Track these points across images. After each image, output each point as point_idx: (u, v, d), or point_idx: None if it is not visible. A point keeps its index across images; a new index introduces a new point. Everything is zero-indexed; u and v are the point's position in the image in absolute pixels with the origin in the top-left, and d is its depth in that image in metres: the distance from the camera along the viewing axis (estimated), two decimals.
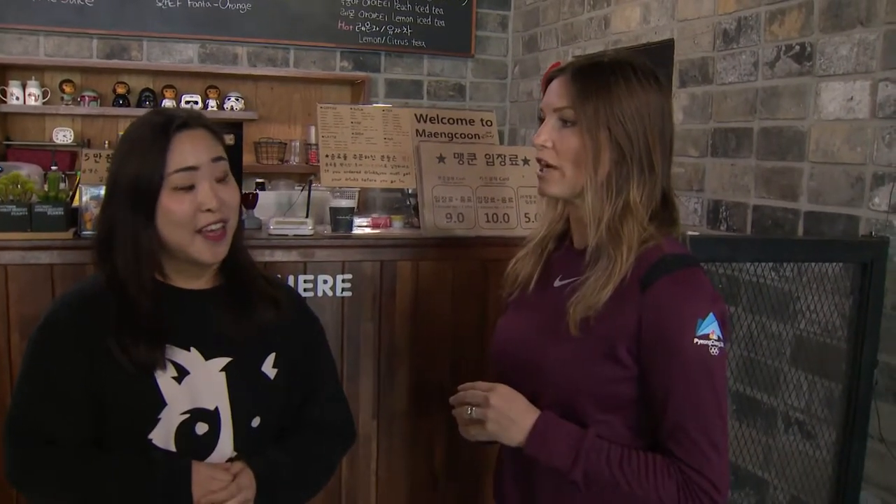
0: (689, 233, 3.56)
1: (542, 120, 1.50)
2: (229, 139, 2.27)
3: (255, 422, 1.58)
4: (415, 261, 2.33)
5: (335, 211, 2.34)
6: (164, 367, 1.49)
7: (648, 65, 1.49)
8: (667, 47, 3.76)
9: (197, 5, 4.82)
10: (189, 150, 1.47)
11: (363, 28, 5.13)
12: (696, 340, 1.34)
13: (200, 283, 1.59)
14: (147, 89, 4.93)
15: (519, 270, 1.60)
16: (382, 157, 2.45)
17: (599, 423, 1.42)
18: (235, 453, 1.55)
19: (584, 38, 4.50)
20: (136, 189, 1.47)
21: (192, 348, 1.53)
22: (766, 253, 2.63)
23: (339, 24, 5.09)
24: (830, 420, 2.68)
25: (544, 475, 1.46)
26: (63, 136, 4.77)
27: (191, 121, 1.52)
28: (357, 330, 2.31)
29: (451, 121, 2.48)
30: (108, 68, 4.83)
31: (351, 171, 2.40)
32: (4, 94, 4.65)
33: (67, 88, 4.78)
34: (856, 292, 2.54)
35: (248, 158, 5.11)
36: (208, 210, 1.47)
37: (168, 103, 4.91)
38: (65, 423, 1.49)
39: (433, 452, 2.41)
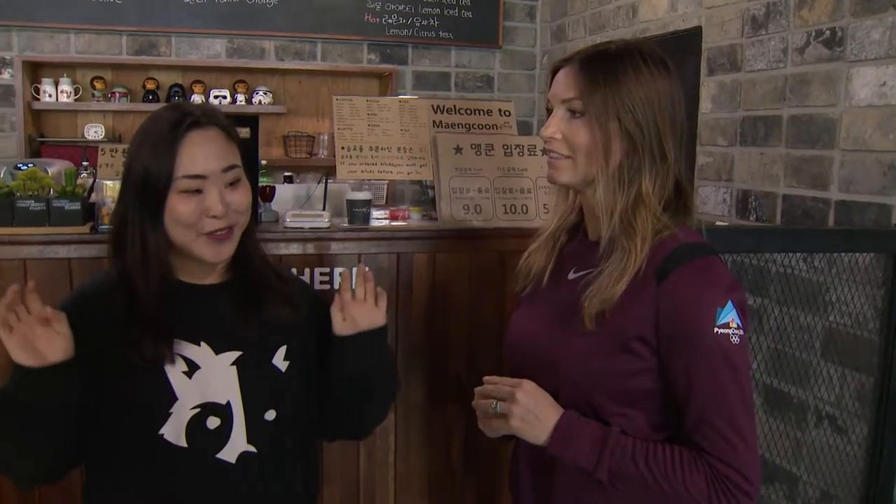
0: (718, 223, 3.52)
1: (549, 111, 1.47)
2: (245, 132, 2.27)
3: (270, 415, 1.57)
4: (431, 253, 2.31)
5: (351, 203, 2.33)
6: (171, 361, 1.49)
7: (657, 51, 1.45)
8: (694, 35, 3.69)
9: (224, 0, 4.84)
10: (199, 156, 1.46)
11: (390, 20, 5.12)
12: (716, 329, 1.31)
13: (210, 278, 1.58)
14: (176, 84, 4.97)
15: (532, 264, 1.58)
16: (399, 148, 2.43)
17: (618, 417, 1.39)
18: (250, 447, 1.54)
19: (612, 27, 4.44)
20: (145, 187, 1.46)
21: (202, 343, 1.53)
22: (795, 243, 2.57)
23: (366, 17, 5.08)
24: (862, 414, 2.62)
25: (563, 470, 1.43)
26: (94, 132, 4.82)
27: (203, 119, 1.49)
28: None
29: (468, 111, 2.45)
30: (137, 64, 4.88)
31: (367, 163, 2.38)
32: (38, 91, 4.72)
33: (98, 85, 4.84)
34: (888, 283, 2.47)
35: (276, 152, 5.15)
36: (214, 217, 1.47)
37: (197, 98, 4.95)
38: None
39: (451, 445, 2.40)
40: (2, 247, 2.05)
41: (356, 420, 1.73)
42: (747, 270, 3.19)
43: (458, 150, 2.34)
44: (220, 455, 1.52)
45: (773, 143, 3.13)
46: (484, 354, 2.37)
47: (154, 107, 4.79)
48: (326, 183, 2.41)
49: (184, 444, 1.50)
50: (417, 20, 5.14)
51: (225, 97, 5.01)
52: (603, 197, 1.41)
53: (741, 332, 1.33)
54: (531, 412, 1.40)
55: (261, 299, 1.59)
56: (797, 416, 2.93)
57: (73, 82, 4.79)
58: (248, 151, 2.29)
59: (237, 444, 1.53)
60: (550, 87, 1.47)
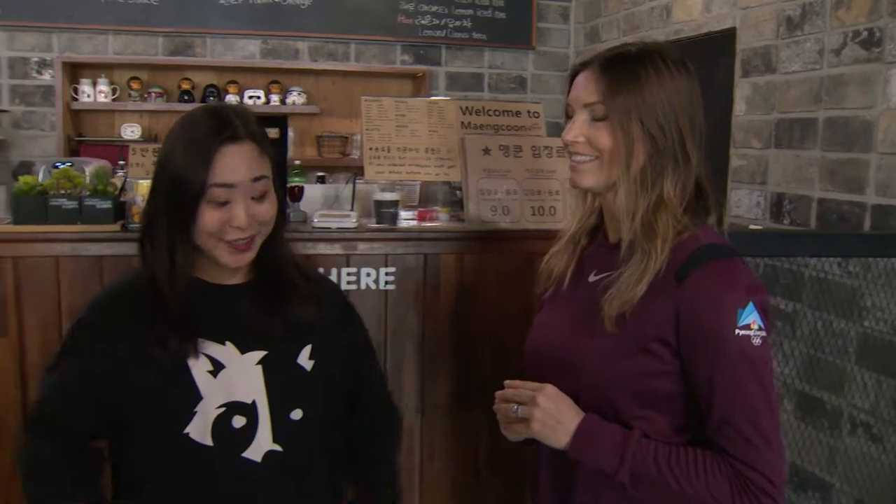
0: (751, 227, 3.48)
1: (569, 116, 1.46)
2: (273, 133, 2.29)
3: (297, 414, 1.57)
4: (459, 254, 2.30)
5: (379, 204, 2.34)
6: (196, 357, 1.50)
7: (676, 52, 1.44)
8: (728, 36, 3.65)
9: (258, 1, 4.89)
10: (230, 167, 1.45)
11: (423, 21, 5.12)
12: (737, 331, 1.29)
13: (235, 277, 1.59)
14: (211, 85, 5.02)
15: (553, 266, 1.57)
16: (427, 149, 2.43)
17: (640, 419, 1.38)
18: (276, 446, 1.55)
19: (645, 28, 4.41)
20: (176, 192, 1.46)
21: (227, 342, 1.53)
22: (829, 248, 2.53)
23: (399, 18, 5.09)
24: None
25: (583, 473, 1.43)
26: (131, 131, 4.89)
27: (241, 133, 1.48)
28: (400, 323, 2.30)
29: (496, 112, 2.45)
30: (173, 65, 4.94)
31: (395, 163, 2.38)
32: (76, 91, 4.79)
33: (135, 85, 4.91)
34: None
35: (310, 152, 5.18)
36: (237, 227, 1.47)
37: (231, 98, 4.99)
38: (73, 419, 1.53)
39: (477, 446, 2.39)
40: (35, 244, 2.09)
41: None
42: (781, 275, 3.15)
43: (487, 151, 2.33)
44: (245, 454, 1.52)
45: (809, 145, 3.08)
46: (511, 356, 2.35)
47: (189, 107, 4.85)
48: (354, 183, 2.42)
49: (209, 442, 1.50)
50: (451, 21, 5.14)
51: (259, 97, 5.05)
52: (625, 200, 1.41)
53: (763, 333, 1.31)
54: (552, 416, 1.39)
55: (285, 298, 1.59)
56: (831, 423, 2.89)
57: (111, 83, 4.87)
58: (277, 152, 2.32)
59: (263, 444, 1.54)
60: (570, 90, 1.46)
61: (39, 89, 4.72)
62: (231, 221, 1.46)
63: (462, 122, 2.41)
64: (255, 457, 1.53)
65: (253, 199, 1.49)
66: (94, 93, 4.82)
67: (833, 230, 2.90)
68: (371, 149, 2.36)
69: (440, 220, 2.50)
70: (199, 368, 1.50)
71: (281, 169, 2.30)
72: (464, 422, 2.39)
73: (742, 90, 3.54)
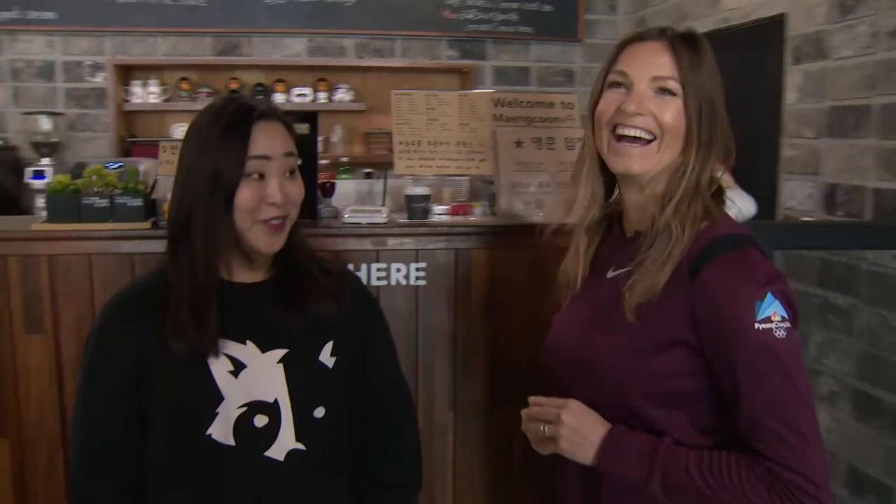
0: (803, 219, 3.35)
1: (611, 85, 1.40)
2: (304, 128, 2.29)
3: (319, 412, 1.55)
4: (491, 249, 2.26)
5: (410, 199, 2.31)
6: (216, 355, 1.49)
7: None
8: (777, 23, 3.52)
9: (304, 0, 4.90)
10: (264, 140, 1.47)
11: (469, 16, 5.08)
12: (757, 325, 1.23)
13: (254, 275, 1.58)
14: (259, 84, 5.06)
15: (570, 274, 1.51)
16: (458, 143, 2.39)
17: (659, 421, 1.33)
18: (299, 444, 1.53)
19: (693, 17, 4.29)
20: (217, 175, 1.46)
21: (247, 342, 1.52)
22: (884, 240, 2.42)
23: (444, 13, 5.06)
24: None
25: (610, 485, 1.38)
26: (181, 131, 4.94)
27: (269, 112, 1.52)
28: (432, 319, 2.27)
29: (529, 104, 2.39)
30: (221, 65, 5.00)
31: (425, 157, 2.35)
32: (128, 93, 4.88)
33: (184, 85, 4.98)
34: None
35: (358, 149, 5.19)
36: (273, 204, 1.47)
37: (279, 97, 5.02)
38: (121, 443, 1.52)
39: (511, 445, 2.34)
40: (69, 242, 2.12)
41: None
42: (836, 269, 3.03)
43: (519, 144, 2.29)
44: (268, 453, 1.51)
45: (863, 134, 2.95)
46: (544, 353, 2.31)
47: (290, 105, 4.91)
48: (386, 178, 2.39)
49: (232, 442, 1.49)
50: (496, 15, 5.09)
51: (306, 95, 5.07)
52: (666, 184, 1.37)
53: (787, 324, 1.25)
54: (578, 432, 1.36)
55: (305, 295, 1.57)
56: (890, 423, 2.76)
57: (161, 83, 4.94)
58: (307, 148, 2.31)
59: (285, 442, 1.52)
60: (617, 62, 1.40)
61: (93, 92, 4.82)
62: (266, 198, 1.46)
63: (494, 115, 2.36)
64: (278, 456, 1.52)
65: (285, 176, 1.50)
66: (145, 94, 4.90)
67: (889, 222, 2.77)
68: (401, 143, 2.34)
69: (475, 214, 2.46)
70: (219, 369, 1.50)
71: (311, 164, 2.30)
72: (498, 419, 2.35)
73: (793, 78, 3.42)
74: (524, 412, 1.45)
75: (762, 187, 3.66)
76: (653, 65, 1.35)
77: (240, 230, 1.49)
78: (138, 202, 2.12)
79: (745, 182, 3.77)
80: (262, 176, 1.47)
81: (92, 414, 1.53)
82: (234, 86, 5.01)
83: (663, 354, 1.31)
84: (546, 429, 1.40)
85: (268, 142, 1.48)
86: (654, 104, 1.35)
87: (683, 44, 1.35)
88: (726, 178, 2.25)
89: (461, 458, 2.33)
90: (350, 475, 1.65)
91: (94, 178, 2.08)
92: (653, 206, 1.38)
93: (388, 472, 1.71)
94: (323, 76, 5.14)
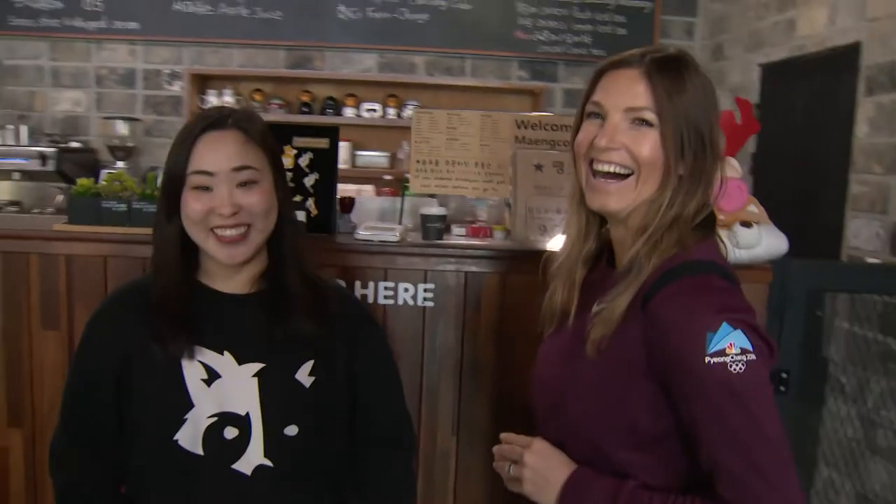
0: (869, 259, 3.17)
1: (589, 115, 1.33)
2: (323, 143, 2.30)
3: (292, 430, 1.54)
4: (502, 274, 2.21)
5: (425, 218, 2.28)
6: (191, 357, 1.50)
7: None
8: (852, 51, 3.35)
9: (377, 16, 4.97)
10: (209, 154, 1.48)
11: (541, 37, 5.04)
12: (707, 359, 1.14)
13: (240, 286, 1.58)
14: (330, 97, 5.14)
15: (555, 306, 1.44)
16: (476, 163, 2.35)
17: (631, 465, 1.26)
18: (267, 460, 1.52)
19: (768, 44, 4.13)
20: (166, 183, 1.51)
21: (225, 352, 1.53)
22: None
23: (517, 33, 5.04)
24: None
25: None
26: None
27: (225, 122, 1.51)
28: (438, 342, 2.23)
29: (553, 127, 2.33)
30: (293, 77, 5.10)
31: (441, 177, 2.32)
32: (203, 101, 5.04)
33: (257, 97, 5.10)
34: None
35: None
36: (220, 213, 1.47)
37: (349, 111, 5.09)
38: (94, 421, 1.56)
39: None
40: (87, 243, 2.18)
41: None
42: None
43: (539, 167, 2.23)
44: (235, 466, 1.51)
45: None
46: None
47: (308, 119, 5.02)
48: (403, 196, 2.38)
49: (200, 451, 1.50)
50: (569, 36, 5.03)
51: (376, 111, 5.12)
52: (642, 217, 1.29)
53: (747, 357, 1.14)
54: (540, 474, 1.31)
55: (290, 311, 1.56)
56: None
57: (235, 94, 5.08)
58: (327, 160, 2.32)
59: (253, 457, 1.52)
60: (596, 90, 1.32)
61: (169, 99, 5.01)
62: (214, 208, 1.47)
63: (516, 137, 2.32)
64: (246, 469, 1.52)
65: (238, 187, 1.49)
66: (220, 103, 5.03)
67: None
68: (418, 161, 2.32)
69: (496, 237, 2.42)
70: (192, 376, 1.51)
71: (330, 179, 2.31)
72: None
73: (865, 110, 3.24)
74: (495, 449, 1.41)
75: (827, 224, 3.49)
76: (627, 94, 1.27)
77: (197, 241, 1.51)
78: (154, 208, 2.16)
79: (809, 217, 3.61)
80: (208, 188, 1.48)
81: (73, 393, 1.59)
82: (305, 98, 5.11)
83: (625, 392, 1.24)
84: (511, 469, 1.36)
85: (212, 156, 1.48)
86: (629, 137, 1.26)
87: (663, 69, 1.26)
88: (756, 212, 2.16)
89: (463, 482, 2.28)
90: (323, 495, 1.62)
91: (116, 183, 2.14)
92: (629, 240, 1.31)
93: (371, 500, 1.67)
94: (394, 92, 5.19)
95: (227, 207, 1.46)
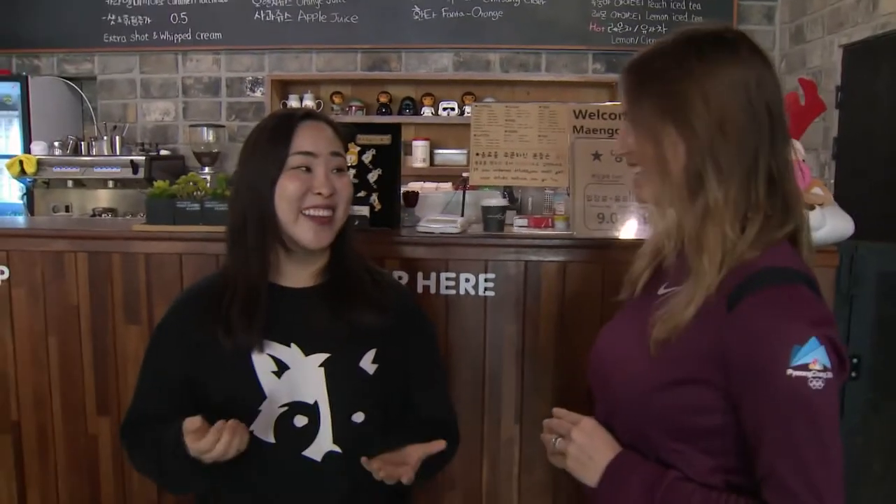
0: None
1: None
2: (385, 139, 2.36)
3: (359, 417, 1.61)
4: (561, 263, 2.22)
5: (486, 210, 2.32)
6: (261, 351, 1.58)
7: (716, 32, 1.28)
8: None
9: (451, 16, 5.02)
10: (309, 138, 1.57)
11: (615, 29, 5.00)
12: (789, 372, 1.13)
13: (304, 280, 1.65)
14: (408, 98, 5.22)
15: (633, 275, 1.46)
16: (535, 154, 2.37)
17: (673, 454, 1.26)
18: (336, 447, 1.59)
19: (850, 23, 3.99)
20: (264, 173, 1.57)
21: (292, 344, 1.60)
22: None
23: (591, 26, 5.01)
24: None
25: None
26: None
27: (314, 114, 1.63)
28: (500, 331, 2.25)
29: (611, 116, 2.32)
30: (371, 79, 5.21)
31: (500, 169, 2.35)
32: (284, 106, 5.19)
33: (337, 99, 5.23)
34: None
35: None
36: (318, 193, 1.55)
37: (427, 111, 5.16)
38: (162, 405, 1.64)
39: None
40: (163, 242, 2.30)
41: None
42: None
43: (597, 156, 2.23)
44: (306, 453, 1.59)
45: None
46: None
47: (387, 119, 5.11)
48: (465, 189, 2.41)
49: (272, 440, 1.58)
50: (644, 27, 4.97)
51: (453, 109, 5.17)
52: (668, 212, 1.30)
53: (826, 374, 1.13)
54: (585, 452, 1.33)
55: (352, 302, 1.63)
56: None
57: (316, 97, 5.22)
58: (390, 157, 2.38)
59: (323, 444, 1.59)
60: None
61: (252, 105, 5.18)
62: (313, 188, 1.55)
63: (574, 127, 2.32)
64: (316, 456, 1.59)
65: (332, 172, 1.58)
66: (301, 107, 5.19)
67: None
68: (477, 154, 2.35)
69: (557, 227, 2.43)
70: (263, 369, 1.59)
71: (394, 174, 2.37)
72: None
73: None
74: (545, 421, 1.42)
75: None
76: (621, 99, 1.37)
77: (285, 224, 1.57)
78: (226, 207, 2.26)
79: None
80: (308, 169, 1.56)
81: (144, 377, 1.69)
82: (383, 99, 5.21)
83: (686, 387, 1.23)
84: (557, 442, 1.38)
85: (312, 139, 1.57)
86: (629, 138, 1.34)
87: (636, 66, 1.31)
88: (821, 194, 2.11)
89: (527, 471, 2.30)
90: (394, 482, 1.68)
91: (190, 184, 2.25)
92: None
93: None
94: (470, 90, 5.23)
95: (326, 187, 1.55)
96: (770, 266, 1.20)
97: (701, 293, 1.22)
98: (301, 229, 1.57)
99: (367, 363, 1.63)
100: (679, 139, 1.25)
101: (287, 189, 1.55)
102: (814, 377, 1.13)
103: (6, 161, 4.61)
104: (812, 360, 1.13)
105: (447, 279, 2.25)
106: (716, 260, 1.22)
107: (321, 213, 1.56)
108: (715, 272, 1.22)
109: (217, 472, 1.57)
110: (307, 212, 1.56)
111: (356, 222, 2.07)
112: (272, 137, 1.57)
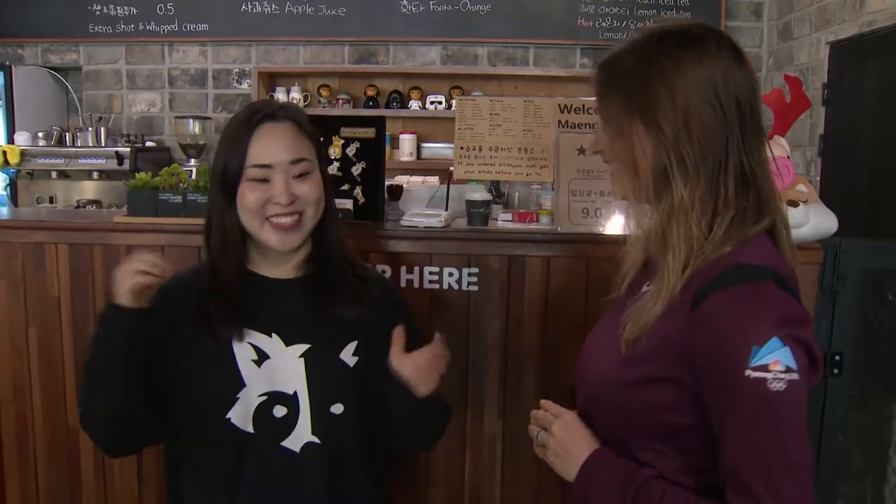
0: None
1: None
2: (370, 132, 2.34)
3: (338, 408, 1.61)
4: (546, 257, 2.21)
5: (470, 204, 2.31)
6: (241, 340, 1.58)
7: (689, 28, 1.27)
8: None
9: (439, 9, 5.01)
10: (266, 148, 1.55)
11: (603, 24, 5.00)
12: (748, 373, 1.11)
13: (286, 271, 1.65)
14: (395, 91, 5.21)
15: (623, 271, 1.45)
16: (519, 149, 2.36)
17: (647, 452, 1.27)
18: (315, 437, 1.59)
19: (837, 21, 4.00)
20: (223, 176, 1.57)
21: (273, 334, 1.60)
22: None
23: (579, 21, 5.01)
24: None
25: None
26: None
27: (277, 113, 1.59)
28: (483, 325, 2.25)
29: (596, 111, 2.32)
30: (359, 72, 5.19)
31: (485, 163, 2.35)
32: (271, 98, 5.17)
33: (324, 92, 5.21)
34: None
35: None
36: (277, 203, 1.54)
37: (414, 104, 5.15)
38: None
39: None
40: (145, 234, 2.28)
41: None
42: None
43: (582, 151, 2.23)
44: (284, 443, 1.59)
45: None
46: None
47: (374, 112, 5.10)
48: (449, 183, 2.41)
49: (251, 429, 1.58)
50: (632, 22, 4.97)
51: (441, 103, 5.17)
52: (633, 208, 1.32)
53: (790, 376, 1.11)
54: (564, 447, 1.34)
55: (334, 295, 1.64)
56: None
57: (303, 90, 5.20)
58: (374, 150, 2.36)
59: (302, 434, 1.59)
60: None
61: (238, 97, 5.16)
62: (272, 198, 1.54)
63: (560, 121, 2.32)
64: (294, 447, 1.59)
65: (294, 178, 1.56)
66: (287, 100, 5.15)
67: None
68: (461, 148, 2.35)
69: (542, 222, 2.42)
70: (243, 357, 1.58)
71: (378, 167, 2.35)
72: None
73: None
74: (532, 413, 1.44)
75: None
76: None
77: (251, 231, 1.57)
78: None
79: (886, 198, 3.47)
80: (266, 179, 1.54)
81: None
82: (371, 93, 5.19)
83: (657, 386, 1.23)
84: (539, 435, 1.40)
85: (270, 149, 1.54)
86: (602, 136, 1.36)
87: (605, 63, 1.32)
88: (805, 191, 2.11)
89: (509, 467, 2.30)
90: (369, 471, 1.68)
91: (170, 176, 2.23)
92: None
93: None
94: (458, 84, 5.22)
95: (284, 197, 1.54)
96: (738, 263, 1.19)
97: (666, 292, 1.22)
98: (266, 235, 1.57)
99: (348, 355, 1.63)
100: (647, 137, 1.24)
101: (248, 200, 1.54)
102: (774, 378, 1.11)
103: None
104: (772, 361, 1.11)
105: (431, 273, 2.24)
106: (680, 258, 1.22)
107: (283, 220, 1.56)
108: (679, 270, 1.21)
109: (194, 464, 1.58)
110: (271, 219, 1.56)
111: (339, 215, 2.06)
112: (230, 147, 1.56)
